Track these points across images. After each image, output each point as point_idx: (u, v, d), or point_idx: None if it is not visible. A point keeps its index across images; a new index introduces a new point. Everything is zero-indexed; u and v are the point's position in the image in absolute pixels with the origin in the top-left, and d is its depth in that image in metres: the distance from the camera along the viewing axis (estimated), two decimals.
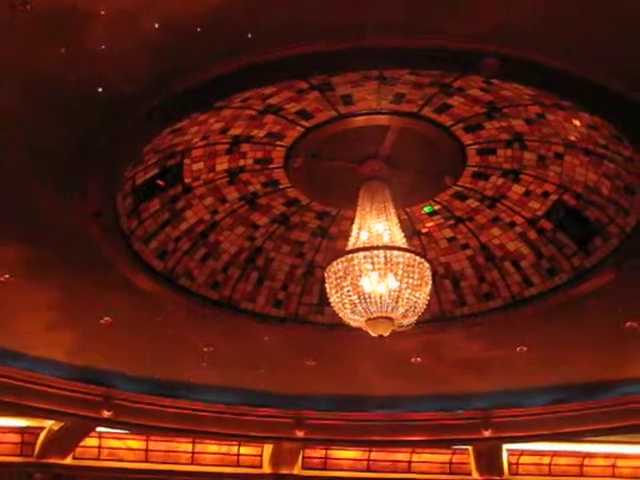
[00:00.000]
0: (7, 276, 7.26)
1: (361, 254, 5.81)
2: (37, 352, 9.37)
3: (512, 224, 7.45)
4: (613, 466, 13.86)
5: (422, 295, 5.94)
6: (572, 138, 6.20)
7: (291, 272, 8.06)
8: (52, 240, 6.68)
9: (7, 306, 8.02)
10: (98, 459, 12.25)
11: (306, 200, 7.28)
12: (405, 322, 6.02)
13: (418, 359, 9.39)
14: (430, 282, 6.05)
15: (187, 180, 6.81)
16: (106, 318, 8.26)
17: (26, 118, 5.08)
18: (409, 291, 5.78)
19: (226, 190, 7.05)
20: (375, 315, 5.77)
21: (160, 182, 6.66)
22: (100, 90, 4.82)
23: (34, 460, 11.67)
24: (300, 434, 11.62)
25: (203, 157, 6.58)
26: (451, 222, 7.58)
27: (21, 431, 11.71)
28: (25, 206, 6.14)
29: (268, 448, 12.65)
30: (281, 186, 7.06)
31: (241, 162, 6.73)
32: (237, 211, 7.32)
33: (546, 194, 7.01)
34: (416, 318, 6.10)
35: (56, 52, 4.43)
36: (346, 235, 6.51)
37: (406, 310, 5.88)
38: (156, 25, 4.27)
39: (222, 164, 6.71)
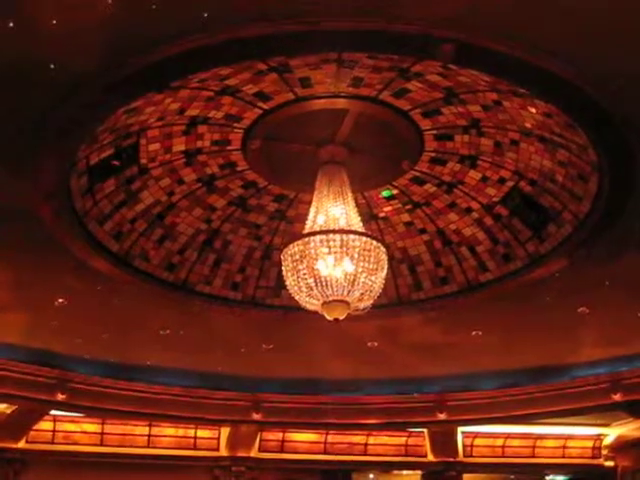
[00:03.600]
0: None
1: (317, 237, 5.81)
2: None
3: (469, 210, 7.52)
4: (564, 447, 14.21)
5: (378, 279, 5.96)
6: (528, 125, 6.26)
7: (248, 255, 8.03)
8: (4, 221, 6.54)
9: None
10: (52, 443, 12.12)
11: (264, 183, 7.25)
12: (361, 306, 6.04)
13: (375, 343, 9.46)
14: (386, 266, 6.07)
15: (143, 161, 6.71)
16: (60, 300, 8.16)
17: None
18: (365, 275, 5.80)
19: (183, 171, 6.97)
20: (331, 299, 5.78)
21: (115, 162, 6.56)
22: (52, 67, 4.70)
23: None
24: (257, 417, 11.67)
25: (159, 138, 6.49)
26: (408, 207, 7.62)
27: None
28: None
29: (225, 431, 12.67)
30: (239, 168, 7.01)
31: (198, 143, 6.66)
32: (194, 193, 7.25)
33: (502, 180, 7.08)
34: (372, 302, 6.12)
35: (5, 26, 4.30)
36: (304, 218, 6.50)
37: (362, 294, 5.90)
38: (109, 0, 4.17)
39: (179, 145, 6.63)
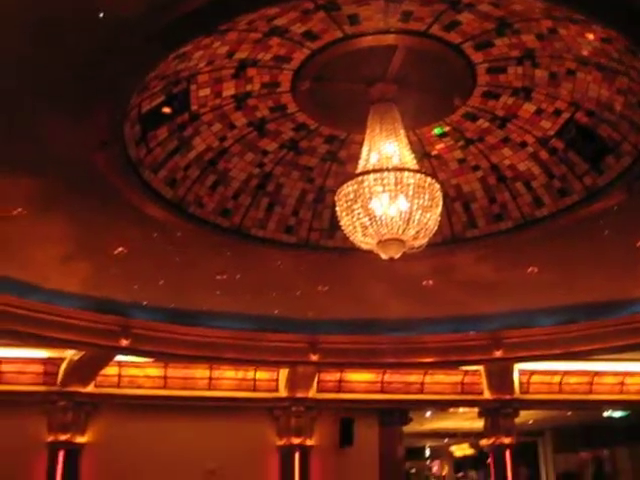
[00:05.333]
0: (20, 209, 7.30)
1: (371, 176, 5.77)
2: (53, 284, 9.52)
3: (523, 144, 7.36)
4: (621, 383, 14.16)
5: (433, 216, 5.92)
6: (585, 53, 6.04)
7: (301, 198, 8.05)
8: (62, 172, 6.67)
9: (21, 240, 8.10)
10: (118, 387, 12.61)
11: (315, 124, 7.21)
12: (416, 244, 6.02)
13: (430, 282, 9.46)
14: (441, 203, 6.02)
15: (194, 107, 6.73)
16: (119, 249, 8.33)
17: (29, 50, 4.99)
18: (420, 212, 5.76)
19: (234, 116, 6.97)
20: (386, 237, 5.77)
21: (166, 110, 6.60)
22: (101, 16, 4.72)
23: (57, 389, 12.04)
24: (314, 358, 11.85)
25: (209, 83, 6.48)
26: (461, 143, 7.50)
27: (43, 362, 12.06)
28: (34, 139, 6.11)
29: (284, 372, 12.95)
30: (289, 111, 6.98)
31: (248, 87, 6.63)
32: (246, 137, 7.26)
33: (558, 112, 6.89)
34: (427, 240, 6.09)
35: None
36: (355, 159, 6.45)
37: (417, 232, 5.87)
38: None
39: (229, 89, 6.61)
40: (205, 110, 6.80)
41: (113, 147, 6.28)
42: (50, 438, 12.10)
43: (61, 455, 12.02)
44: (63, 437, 12.09)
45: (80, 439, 12.27)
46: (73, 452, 12.14)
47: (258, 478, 12.49)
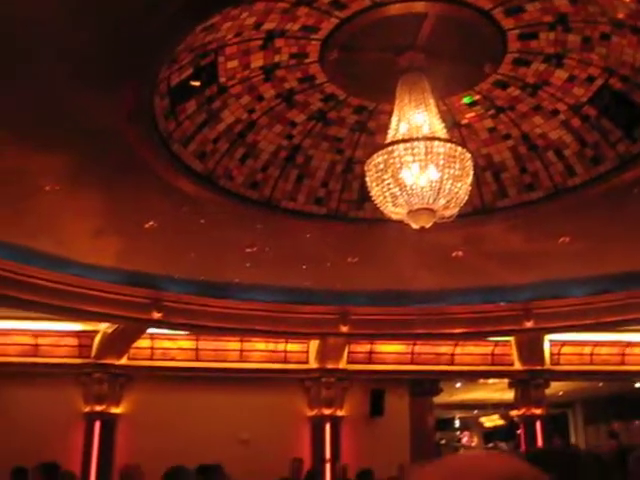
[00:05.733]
0: (52, 185, 7.38)
1: (401, 146, 5.74)
2: (86, 258, 9.65)
3: (555, 112, 7.25)
4: None
5: (463, 186, 5.88)
6: (620, 16, 5.91)
7: (330, 169, 8.04)
8: (93, 146, 6.73)
9: (54, 215, 8.21)
10: (151, 359, 12.79)
11: (343, 95, 7.17)
12: (447, 214, 5.99)
13: (459, 252, 9.42)
14: (471, 172, 5.98)
15: (222, 79, 6.73)
16: (150, 222, 8.40)
17: (59, 23, 5.01)
18: (450, 182, 5.73)
19: (262, 88, 6.96)
20: (416, 207, 5.75)
21: (195, 83, 6.60)
22: None
23: (92, 361, 12.26)
24: (345, 329, 11.89)
25: (237, 54, 6.47)
26: (491, 112, 7.41)
27: (78, 335, 12.28)
28: (64, 114, 6.15)
29: (314, 344, 13.03)
30: (317, 81, 6.94)
31: (276, 58, 6.60)
32: (274, 109, 7.25)
33: (591, 79, 6.77)
34: (458, 210, 6.07)
35: None
36: (385, 129, 6.42)
37: (447, 201, 5.85)
38: None
39: (257, 61, 6.60)
40: (233, 82, 6.80)
41: (143, 121, 6.31)
42: (87, 409, 12.35)
43: (97, 425, 12.27)
44: (99, 408, 12.33)
45: (115, 410, 12.50)
46: (109, 422, 12.39)
47: (290, 448, 12.63)
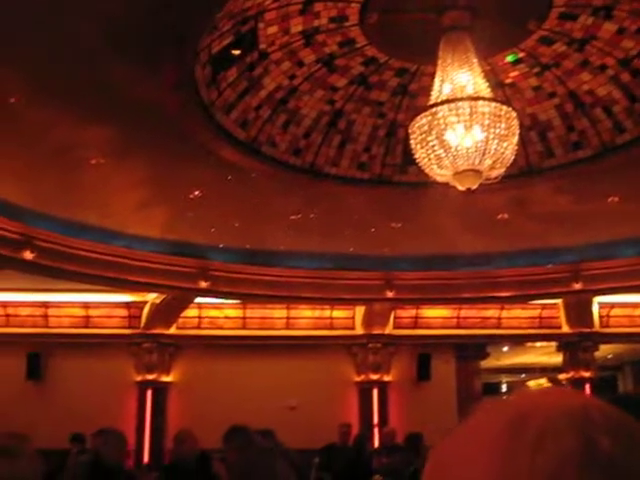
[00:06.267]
0: (98, 158, 7.48)
1: (445, 107, 5.66)
2: (133, 230, 9.80)
3: (603, 67, 7.06)
4: None
5: (510, 146, 5.78)
6: None
7: (373, 133, 7.98)
8: (136, 118, 6.78)
9: (100, 187, 8.34)
10: (199, 328, 12.99)
11: (384, 58, 7.08)
12: (493, 175, 5.91)
13: (505, 215, 9.30)
14: (517, 132, 5.87)
15: (262, 46, 6.70)
16: (195, 192, 8.47)
17: None
18: (496, 142, 5.64)
19: (302, 53, 6.92)
20: (462, 169, 5.68)
21: (235, 51, 6.59)
22: None
23: (141, 331, 12.51)
24: (390, 294, 11.88)
25: (277, 20, 6.43)
26: (536, 70, 7.25)
27: (127, 306, 12.53)
28: (106, 86, 6.21)
29: (360, 310, 13.05)
30: (358, 45, 6.87)
31: (315, 22, 6.55)
32: (315, 74, 7.20)
33: None
34: (504, 170, 5.98)
35: None
36: (427, 91, 6.32)
37: (493, 162, 5.76)
38: None
39: (296, 26, 6.55)
40: (273, 48, 6.77)
41: (185, 90, 6.34)
42: (139, 378, 12.64)
43: (149, 393, 12.57)
44: (150, 377, 12.61)
45: (165, 378, 12.77)
46: (160, 390, 12.68)
47: (338, 414, 12.72)
